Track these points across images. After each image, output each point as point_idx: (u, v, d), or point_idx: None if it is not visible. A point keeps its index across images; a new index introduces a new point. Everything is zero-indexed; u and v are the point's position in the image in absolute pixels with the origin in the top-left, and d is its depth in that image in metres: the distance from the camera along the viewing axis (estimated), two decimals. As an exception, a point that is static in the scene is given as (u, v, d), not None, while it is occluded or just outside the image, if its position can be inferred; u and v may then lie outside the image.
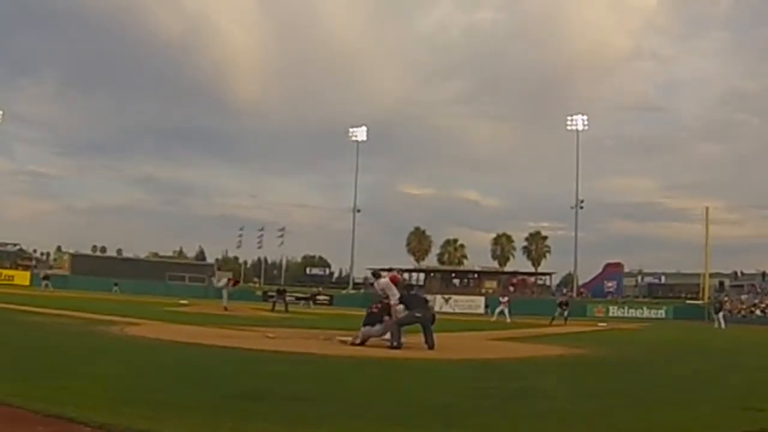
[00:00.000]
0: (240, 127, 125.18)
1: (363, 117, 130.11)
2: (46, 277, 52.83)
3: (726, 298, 58.36)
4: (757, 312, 54.26)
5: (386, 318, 12.85)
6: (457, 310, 58.19)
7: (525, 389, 7.58)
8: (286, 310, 36.05)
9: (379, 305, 13.09)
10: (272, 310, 36.03)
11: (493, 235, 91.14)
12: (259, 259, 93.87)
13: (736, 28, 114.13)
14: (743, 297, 60.83)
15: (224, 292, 30.57)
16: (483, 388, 7.50)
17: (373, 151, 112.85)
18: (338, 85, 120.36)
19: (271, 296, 45.90)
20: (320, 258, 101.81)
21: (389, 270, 78.76)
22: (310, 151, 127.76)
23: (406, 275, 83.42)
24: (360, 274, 79.39)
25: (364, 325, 12.94)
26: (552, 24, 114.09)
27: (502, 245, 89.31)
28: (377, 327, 12.78)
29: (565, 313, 35.22)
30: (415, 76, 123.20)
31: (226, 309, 28.32)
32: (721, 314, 38.65)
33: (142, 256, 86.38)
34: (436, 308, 60.32)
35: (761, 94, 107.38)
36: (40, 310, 19.77)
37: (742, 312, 54.97)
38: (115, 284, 56.74)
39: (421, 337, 12.91)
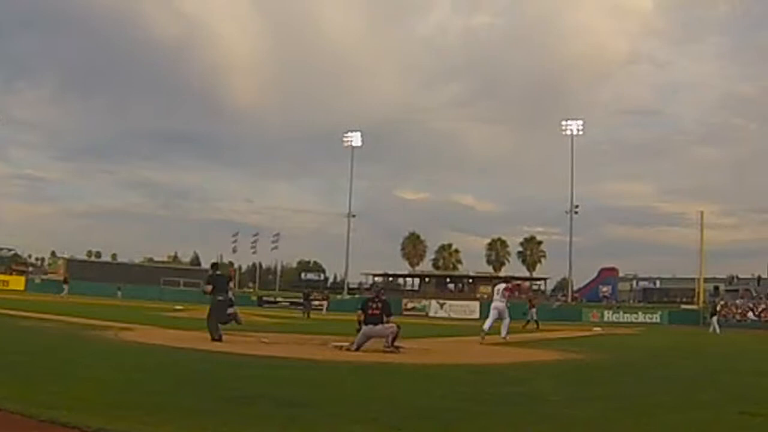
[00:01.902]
0: (237, 131, 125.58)
1: (360, 121, 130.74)
2: (65, 281, 50.51)
3: (721, 302, 58.43)
4: (750, 315, 54.45)
5: (385, 318, 12.87)
6: (452, 315, 58.15)
7: (522, 394, 7.56)
8: (308, 316, 36.28)
9: (380, 305, 13.06)
10: (307, 317, 36.56)
11: (488, 240, 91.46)
12: (254, 264, 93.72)
13: (733, 32, 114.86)
14: (738, 301, 60.94)
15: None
16: (480, 393, 7.50)
17: (370, 156, 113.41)
18: (335, 89, 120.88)
19: (300, 302, 45.52)
20: (315, 263, 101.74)
21: (384, 275, 78.69)
22: (307, 155, 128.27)
23: (400, 280, 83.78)
24: (355, 279, 79.48)
25: (366, 324, 12.89)
26: (549, 28, 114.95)
27: (496, 250, 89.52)
28: (379, 327, 12.77)
29: (534, 315, 34.93)
30: (412, 80, 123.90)
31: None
32: (715, 318, 38.75)
33: (137, 261, 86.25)
34: (431, 313, 60.42)
35: (759, 99, 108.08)
36: (34, 315, 19.68)
37: (737, 316, 55.09)
38: (119, 289, 56.51)
39: (411, 342, 12.89)
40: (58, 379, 6.74)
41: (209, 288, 14.32)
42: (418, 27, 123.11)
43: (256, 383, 7.55)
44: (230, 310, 14.88)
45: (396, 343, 12.85)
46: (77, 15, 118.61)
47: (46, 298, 39.17)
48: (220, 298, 14.27)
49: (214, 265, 16.61)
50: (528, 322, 33.87)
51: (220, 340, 13.41)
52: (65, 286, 48.56)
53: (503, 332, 18.18)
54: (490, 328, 17.82)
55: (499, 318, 18.28)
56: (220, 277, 15.20)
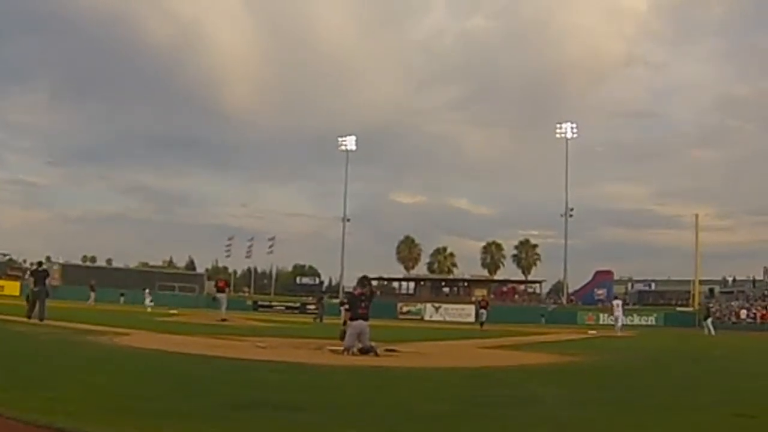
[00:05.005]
0: (232, 135, 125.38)
1: (355, 125, 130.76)
2: (92, 288, 46.84)
3: (716, 305, 58.56)
4: (742, 313, 54.76)
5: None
6: (447, 319, 58.26)
7: (518, 396, 7.57)
8: (321, 320, 35.81)
9: (368, 303, 12.98)
10: (320, 321, 35.96)
11: (483, 244, 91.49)
12: (249, 269, 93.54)
13: (729, 33, 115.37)
14: (733, 303, 61.07)
15: (221, 300, 29.28)
16: (476, 396, 7.50)
17: (365, 160, 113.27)
18: (331, 93, 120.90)
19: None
20: (310, 267, 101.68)
21: (379, 279, 78.64)
22: (302, 159, 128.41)
23: (395, 284, 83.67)
24: (350, 283, 79.12)
25: (353, 320, 12.71)
26: (545, 31, 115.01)
27: (491, 253, 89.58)
28: (365, 324, 12.66)
29: (484, 316, 35.35)
30: (408, 83, 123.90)
31: (225, 320, 27.09)
32: (709, 320, 38.78)
33: (132, 265, 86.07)
34: (427, 317, 60.40)
35: (755, 100, 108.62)
36: (29, 321, 19.58)
37: (732, 318, 55.24)
38: (122, 294, 55.88)
39: (407, 346, 12.89)
40: (54, 385, 6.71)
41: (31, 280, 19.39)
42: (414, 30, 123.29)
43: (253, 388, 7.54)
44: (46, 303, 18.76)
45: (389, 347, 12.84)
46: (72, 19, 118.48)
47: (73, 306, 38.09)
48: (35, 289, 18.81)
49: (39, 263, 21.96)
50: (482, 323, 34.63)
51: (28, 318, 18.21)
52: (92, 294, 46.11)
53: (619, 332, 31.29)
54: (620, 328, 32.96)
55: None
56: (38, 272, 19.83)
